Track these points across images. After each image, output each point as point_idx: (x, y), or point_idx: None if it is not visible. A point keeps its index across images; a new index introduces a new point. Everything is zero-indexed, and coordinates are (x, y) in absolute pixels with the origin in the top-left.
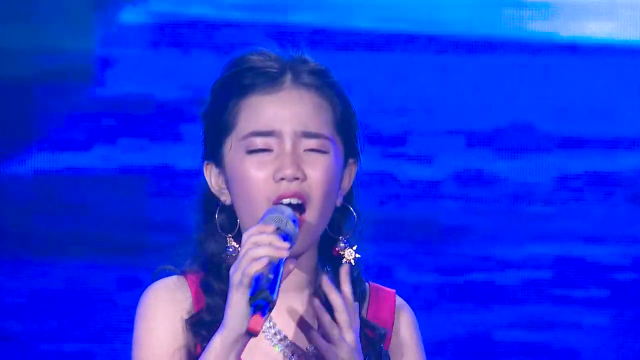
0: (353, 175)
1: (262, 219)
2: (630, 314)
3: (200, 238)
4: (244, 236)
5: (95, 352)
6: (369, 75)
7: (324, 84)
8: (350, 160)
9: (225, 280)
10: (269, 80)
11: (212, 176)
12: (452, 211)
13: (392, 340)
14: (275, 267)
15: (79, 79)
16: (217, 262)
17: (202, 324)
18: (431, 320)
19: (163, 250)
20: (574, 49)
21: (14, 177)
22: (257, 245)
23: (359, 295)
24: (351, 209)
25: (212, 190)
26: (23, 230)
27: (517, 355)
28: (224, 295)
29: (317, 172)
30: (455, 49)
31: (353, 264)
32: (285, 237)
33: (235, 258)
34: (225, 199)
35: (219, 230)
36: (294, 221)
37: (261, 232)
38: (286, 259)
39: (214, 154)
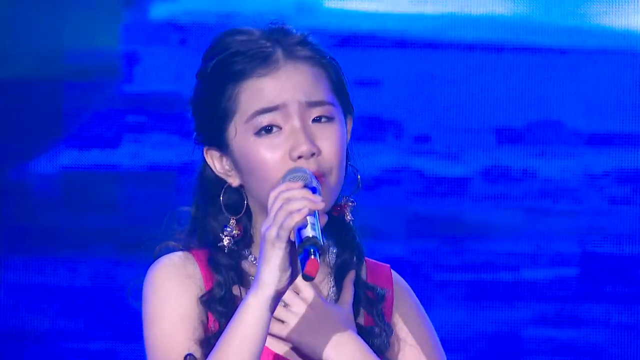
0: (349, 131)
1: (283, 179)
2: None
3: (202, 217)
4: (272, 194)
5: (121, 350)
6: (398, 72)
7: (315, 53)
8: (348, 117)
9: (231, 254)
10: (263, 61)
11: (214, 160)
12: (480, 208)
13: (395, 314)
14: (314, 218)
15: (106, 76)
16: (218, 240)
17: (216, 300)
18: (457, 318)
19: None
20: (602, 47)
21: (42, 175)
22: (290, 200)
23: (357, 260)
24: (358, 176)
25: (217, 173)
26: (51, 227)
27: (544, 353)
28: (232, 269)
29: (331, 143)
30: (484, 47)
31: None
32: (314, 191)
33: (232, 238)
34: (232, 181)
35: (224, 212)
36: (315, 179)
37: (290, 189)
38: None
39: (215, 139)
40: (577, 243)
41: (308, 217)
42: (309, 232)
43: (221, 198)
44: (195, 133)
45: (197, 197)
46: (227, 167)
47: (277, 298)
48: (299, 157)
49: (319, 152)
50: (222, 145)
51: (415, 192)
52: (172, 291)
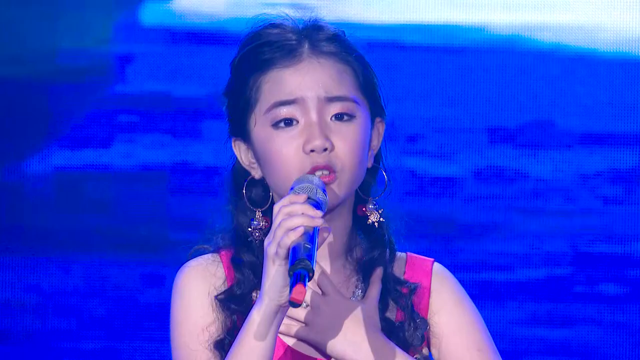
0: (381, 134)
1: (291, 189)
2: None
3: (232, 212)
4: (275, 207)
5: (115, 350)
6: (391, 71)
7: (342, 49)
8: (377, 120)
9: (254, 252)
10: (288, 53)
11: (241, 151)
12: (472, 208)
13: (433, 305)
14: (311, 237)
15: (98, 76)
16: (245, 235)
17: (232, 299)
18: None
19: (183, 247)
20: (594, 47)
21: (34, 175)
22: (290, 215)
23: (389, 256)
24: (384, 174)
25: (243, 165)
26: (43, 227)
27: (536, 352)
28: (253, 267)
29: (346, 143)
30: (477, 47)
31: (376, 226)
32: (317, 206)
33: (260, 230)
34: (255, 173)
35: (248, 205)
36: (322, 190)
37: (293, 203)
38: (320, 227)
39: (240, 130)
40: (570, 243)
41: (303, 237)
42: (301, 253)
43: (244, 191)
44: (228, 125)
45: (228, 192)
46: (251, 160)
47: (282, 311)
48: (312, 151)
49: (332, 149)
50: (245, 135)
51: (407, 192)
52: (193, 296)
